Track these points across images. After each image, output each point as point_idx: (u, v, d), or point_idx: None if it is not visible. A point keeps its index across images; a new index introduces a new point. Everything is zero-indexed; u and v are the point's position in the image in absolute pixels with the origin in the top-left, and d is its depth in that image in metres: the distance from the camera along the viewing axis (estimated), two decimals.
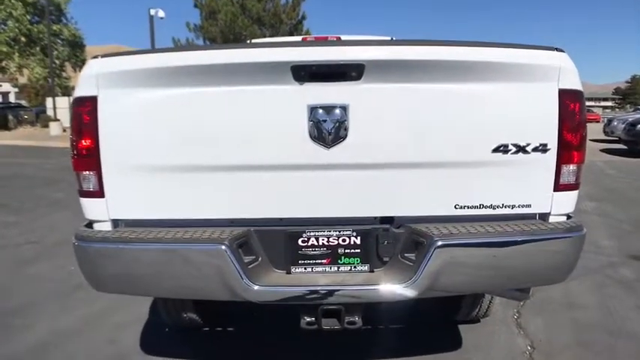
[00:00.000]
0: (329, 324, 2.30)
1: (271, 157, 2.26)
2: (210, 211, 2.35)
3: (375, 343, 3.37)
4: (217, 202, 2.34)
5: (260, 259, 2.34)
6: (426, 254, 2.20)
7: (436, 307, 3.76)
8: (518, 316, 3.77)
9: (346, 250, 2.35)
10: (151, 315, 3.73)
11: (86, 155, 2.32)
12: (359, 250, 2.34)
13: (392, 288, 2.24)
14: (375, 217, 2.37)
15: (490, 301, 3.34)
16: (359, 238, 2.34)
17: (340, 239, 2.34)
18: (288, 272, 2.36)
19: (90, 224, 2.42)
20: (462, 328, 3.55)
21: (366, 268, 2.36)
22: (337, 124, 2.22)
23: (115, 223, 2.40)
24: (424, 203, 2.33)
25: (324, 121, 2.22)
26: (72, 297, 4.14)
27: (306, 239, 2.34)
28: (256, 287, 2.22)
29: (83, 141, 2.32)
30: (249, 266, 2.27)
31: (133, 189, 2.34)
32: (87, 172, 2.34)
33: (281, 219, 2.35)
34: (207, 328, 3.55)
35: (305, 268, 2.36)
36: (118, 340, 3.45)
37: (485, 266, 2.26)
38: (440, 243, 2.19)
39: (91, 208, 2.38)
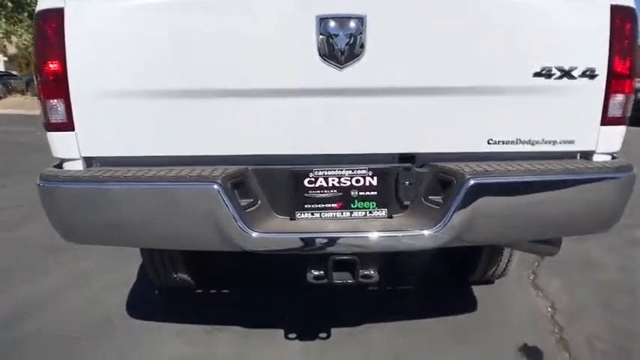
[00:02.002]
0: (341, 277, 1.91)
1: (272, 79, 1.83)
2: (199, 147, 1.93)
3: (383, 306, 3.01)
4: (208, 135, 1.91)
5: (259, 202, 1.93)
6: (456, 195, 1.80)
7: (445, 266, 3.40)
8: (535, 276, 3.43)
9: (360, 193, 1.95)
10: (140, 276, 3.34)
11: (52, 81, 1.88)
12: (375, 193, 1.94)
13: (414, 236, 1.84)
14: (395, 154, 1.97)
15: (509, 259, 2.97)
16: (375, 178, 1.93)
17: (353, 180, 1.94)
18: (292, 218, 1.96)
19: (60, 165, 1.99)
20: (475, 289, 3.20)
21: (383, 213, 1.96)
22: (352, 40, 1.79)
23: (88, 161, 1.98)
24: (453, 138, 1.93)
25: (336, 35, 1.79)
26: (54, 258, 3.73)
27: (313, 180, 1.93)
28: (254, 234, 1.82)
29: (49, 64, 1.87)
30: (247, 210, 1.87)
31: (109, 120, 1.91)
32: (53, 101, 1.90)
33: (284, 156, 1.93)
34: (199, 291, 3.16)
35: (312, 214, 1.96)
36: (101, 301, 3.06)
37: (524, 211, 1.87)
38: (473, 182, 1.79)
39: (60, 144, 1.95)
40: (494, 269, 3.01)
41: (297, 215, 1.95)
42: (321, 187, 1.94)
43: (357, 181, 1.94)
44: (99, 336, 2.70)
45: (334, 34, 1.79)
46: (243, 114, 1.88)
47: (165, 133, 1.92)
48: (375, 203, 1.95)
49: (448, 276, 3.36)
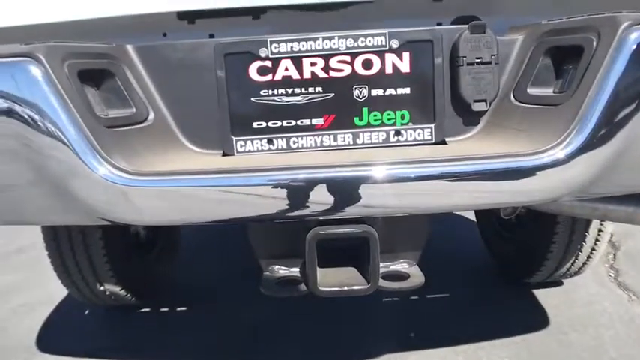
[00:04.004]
0: (338, 280, 0.80)
1: None
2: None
3: (415, 320, 1.91)
4: None
5: (150, 117, 0.84)
6: (604, 70, 0.72)
7: (492, 260, 2.32)
8: (616, 273, 2.34)
9: (375, 91, 0.85)
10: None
11: None
12: (407, 90, 0.85)
13: (509, 172, 0.74)
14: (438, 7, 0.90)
15: (593, 247, 1.89)
16: (407, 55, 0.84)
17: (358, 61, 0.85)
18: (227, 152, 0.86)
19: None
20: (540, 293, 2.11)
21: (426, 133, 0.87)
22: None
23: None
24: None
25: None
26: None
27: (269, 64, 0.84)
28: (130, 180, 0.72)
29: None
30: (117, 128, 0.77)
31: None
32: None
33: (199, 13, 0.85)
34: (146, 309, 2.03)
35: (270, 142, 0.86)
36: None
37: None
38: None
39: None
40: (570, 264, 1.92)
41: (238, 146, 0.86)
42: (287, 82, 0.84)
43: (367, 63, 0.85)
44: None
45: None
46: None
47: None
48: (407, 113, 0.86)
49: (494, 275, 2.27)
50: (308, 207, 0.71)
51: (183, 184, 0.72)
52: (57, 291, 2.25)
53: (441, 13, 0.88)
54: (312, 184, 0.70)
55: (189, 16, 0.85)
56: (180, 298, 2.10)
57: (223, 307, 2.02)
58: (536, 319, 1.92)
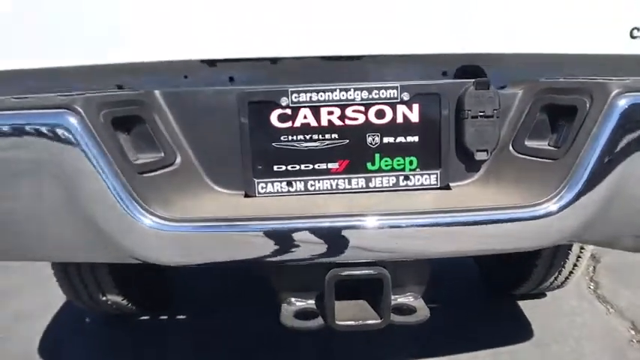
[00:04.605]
0: (353, 315, 0.87)
1: None
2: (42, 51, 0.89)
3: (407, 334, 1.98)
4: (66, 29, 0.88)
5: (177, 160, 0.90)
6: (597, 131, 0.80)
7: (477, 276, 2.42)
8: (596, 286, 2.46)
9: (386, 139, 0.93)
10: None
11: None
12: (416, 138, 0.93)
13: (508, 222, 0.82)
14: (446, 60, 0.97)
15: (576, 261, 1.99)
16: (417, 107, 0.92)
17: (372, 111, 0.92)
18: (250, 193, 0.92)
19: None
20: (524, 305, 2.21)
21: (432, 179, 0.94)
22: None
23: None
24: (561, 28, 0.93)
25: None
26: None
27: (289, 112, 0.90)
28: (165, 227, 0.78)
29: None
30: (148, 174, 0.83)
31: None
32: None
33: (227, 62, 0.91)
34: (145, 317, 2.07)
35: (289, 184, 0.93)
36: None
37: None
38: (630, 102, 0.79)
39: None
40: (554, 277, 2.03)
41: (259, 187, 0.92)
42: (306, 129, 0.91)
43: (380, 113, 0.92)
44: None
45: None
46: None
47: None
48: (415, 160, 0.93)
49: (480, 287, 2.37)
50: (330, 252, 0.78)
51: (214, 229, 0.78)
52: (56, 297, 2.28)
53: (446, 62, 0.96)
54: (334, 231, 0.77)
55: (212, 61, 0.90)
56: (181, 306, 2.16)
57: (224, 316, 2.08)
58: (521, 332, 2.03)
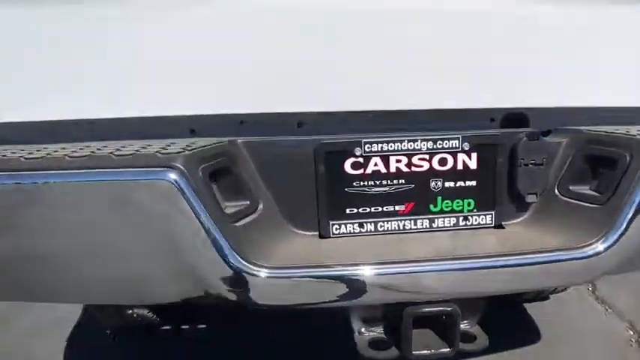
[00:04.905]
0: (426, 344, 0.97)
1: None
2: (138, 103, 0.95)
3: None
4: (153, 83, 0.94)
5: (260, 207, 0.98)
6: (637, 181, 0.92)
7: None
8: (594, 288, 2.63)
9: (448, 183, 1.03)
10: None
11: None
12: (474, 183, 1.03)
13: (558, 261, 0.93)
14: (494, 113, 1.07)
15: None
16: (475, 155, 1.02)
17: (435, 159, 1.01)
18: (324, 234, 1.01)
19: None
20: (530, 309, 2.36)
21: (488, 219, 1.05)
22: None
23: None
24: (597, 85, 1.04)
25: None
26: None
27: (361, 160, 0.99)
28: (261, 273, 0.86)
29: None
30: (237, 223, 0.91)
31: None
32: None
33: (307, 116, 0.99)
34: (166, 327, 2.12)
35: (361, 225, 1.02)
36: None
37: None
38: None
39: None
40: None
41: (334, 229, 1.01)
42: (376, 175, 1.00)
43: (443, 161, 1.01)
44: None
45: None
46: (223, 31, 0.93)
47: (76, 76, 0.93)
48: (473, 202, 1.03)
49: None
50: (413, 293, 0.89)
51: (306, 274, 0.86)
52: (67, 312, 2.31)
53: (495, 112, 1.06)
54: (419, 275, 0.87)
55: (295, 120, 0.99)
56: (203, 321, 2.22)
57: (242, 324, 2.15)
58: (529, 334, 2.18)
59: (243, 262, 0.85)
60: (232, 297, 0.87)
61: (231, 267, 0.84)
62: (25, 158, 0.82)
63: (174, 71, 0.95)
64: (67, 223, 0.83)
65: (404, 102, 0.99)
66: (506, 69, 1.01)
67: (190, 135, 1.03)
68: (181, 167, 0.82)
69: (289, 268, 0.87)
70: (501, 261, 0.90)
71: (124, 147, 0.89)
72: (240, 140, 0.97)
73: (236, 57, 0.95)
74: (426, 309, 0.92)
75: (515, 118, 1.08)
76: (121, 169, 0.82)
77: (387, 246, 0.97)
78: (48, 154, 0.85)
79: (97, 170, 0.82)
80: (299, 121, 1.03)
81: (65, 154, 0.84)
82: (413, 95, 0.99)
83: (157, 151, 0.84)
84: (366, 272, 0.88)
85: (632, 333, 2.18)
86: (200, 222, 0.82)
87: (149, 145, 0.90)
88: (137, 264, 0.87)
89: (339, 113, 0.99)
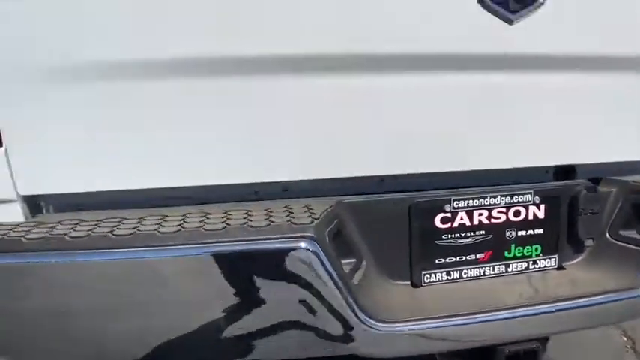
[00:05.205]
0: None
1: (386, 40, 0.97)
2: (240, 169, 1.00)
3: None
4: (252, 148, 1.00)
5: (364, 262, 1.06)
6: None
7: None
8: None
9: (520, 232, 1.16)
10: None
11: None
12: (542, 230, 1.17)
13: (614, 301, 1.10)
14: (549, 168, 1.22)
15: None
16: (543, 207, 1.16)
17: (511, 212, 1.14)
18: (417, 284, 1.11)
19: None
20: None
21: (552, 262, 1.19)
22: None
23: (33, 204, 0.96)
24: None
25: None
26: None
27: (449, 216, 1.10)
28: (378, 326, 0.95)
29: None
30: (353, 279, 0.99)
31: (70, 123, 0.92)
32: None
33: (402, 177, 1.08)
34: None
35: (448, 273, 1.13)
36: None
37: None
38: None
39: None
40: None
41: (425, 278, 1.11)
42: (462, 228, 1.11)
43: (517, 213, 1.14)
44: None
45: None
46: (327, 105, 1.00)
47: (174, 144, 0.97)
48: (540, 247, 1.17)
49: None
50: (504, 335, 1.01)
51: (423, 326, 0.96)
52: None
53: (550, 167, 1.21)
54: (512, 320, 1.00)
55: (390, 182, 1.08)
56: None
57: None
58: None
59: (366, 316, 0.94)
60: (354, 349, 0.95)
61: (359, 322, 0.93)
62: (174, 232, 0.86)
63: (275, 138, 1.01)
64: (217, 292, 0.87)
65: (482, 163, 1.11)
66: (562, 130, 1.16)
67: (282, 192, 1.09)
68: (315, 235, 0.89)
69: (408, 321, 0.96)
70: (579, 302, 1.05)
71: (249, 215, 0.94)
72: (346, 201, 1.04)
73: (340, 125, 1.02)
74: (516, 347, 1.05)
75: (567, 170, 1.23)
76: (259, 240, 0.87)
77: (476, 293, 1.09)
78: (182, 227, 0.88)
79: (233, 241, 0.87)
80: (381, 179, 1.11)
81: (201, 227, 0.88)
82: (491, 156, 1.11)
83: (289, 221, 0.90)
84: (471, 320, 0.99)
85: (626, 339, 2.43)
86: (334, 283, 0.90)
87: (269, 212, 0.96)
88: (267, 324, 0.92)
89: (428, 174, 1.09)
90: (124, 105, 0.94)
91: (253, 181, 1.02)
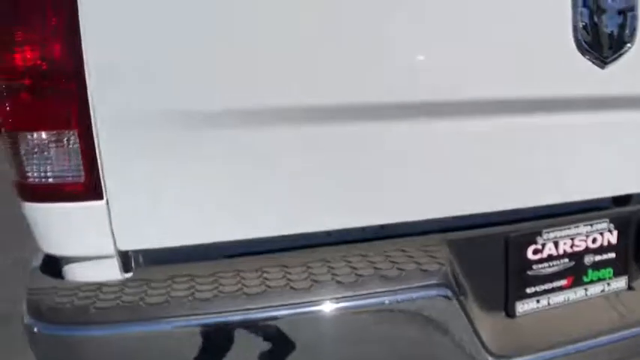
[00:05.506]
0: None
1: (479, 86, 1.01)
2: (346, 215, 1.01)
3: None
4: (355, 190, 1.01)
5: (468, 294, 1.09)
6: None
7: None
8: None
9: (596, 257, 1.23)
10: None
11: (52, 87, 0.79)
12: (614, 254, 1.25)
13: None
14: (608, 197, 1.30)
15: None
16: (616, 232, 1.24)
17: (590, 239, 1.21)
18: (511, 314, 1.16)
19: (53, 266, 0.90)
20: None
21: (622, 283, 1.28)
22: (623, 20, 1.05)
23: (129, 260, 0.92)
24: None
25: (604, 12, 1.03)
26: None
27: (540, 247, 1.16)
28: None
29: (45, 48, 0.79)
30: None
31: (161, 176, 0.88)
32: (48, 134, 0.79)
33: (496, 214, 1.12)
34: None
35: (537, 302, 1.19)
36: None
37: None
38: None
39: (66, 228, 0.85)
40: None
41: (518, 308, 1.16)
42: (549, 258, 1.17)
43: (594, 240, 1.22)
44: None
45: (601, 10, 1.03)
46: (425, 149, 1.03)
47: (261, 198, 0.96)
48: (612, 270, 1.25)
49: None
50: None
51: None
52: None
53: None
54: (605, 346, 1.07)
55: (485, 217, 1.11)
56: None
57: None
58: None
59: (488, 355, 0.98)
60: None
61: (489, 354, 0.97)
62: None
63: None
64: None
65: (566, 196, 1.17)
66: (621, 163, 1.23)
67: (380, 229, 1.10)
68: (447, 282, 0.92)
69: (521, 357, 1.01)
70: None
71: (373, 262, 0.95)
72: (449, 238, 1.07)
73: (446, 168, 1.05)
74: None
75: (623, 197, 1.32)
76: (396, 289, 0.89)
77: (568, 320, 1.15)
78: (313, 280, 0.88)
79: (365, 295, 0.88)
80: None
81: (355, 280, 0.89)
82: (576, 189, 1.17)
83: (418, 268, 0.92)
84: (570, 349, 1.05)
85: None
86: (468, 321, 0.93)
87: (387, 256, 0.97)
88: None
89: (522, 209, 1.13)
90: (240, 154, 0.92)
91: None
